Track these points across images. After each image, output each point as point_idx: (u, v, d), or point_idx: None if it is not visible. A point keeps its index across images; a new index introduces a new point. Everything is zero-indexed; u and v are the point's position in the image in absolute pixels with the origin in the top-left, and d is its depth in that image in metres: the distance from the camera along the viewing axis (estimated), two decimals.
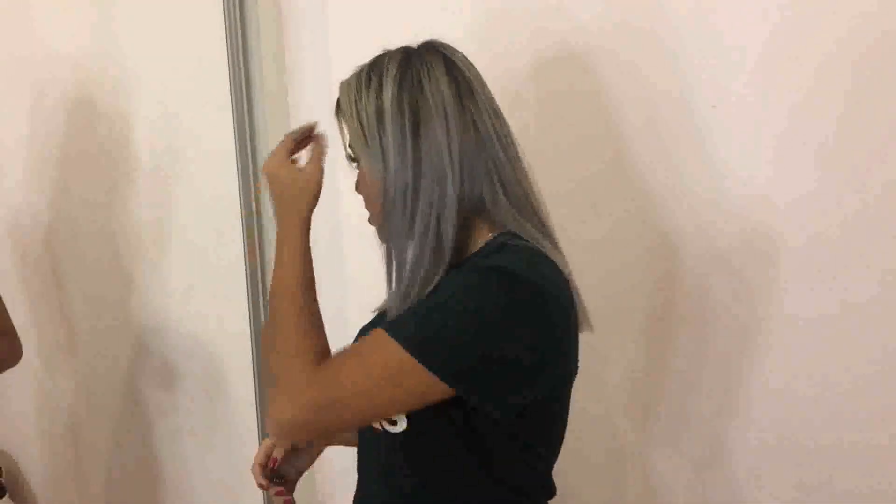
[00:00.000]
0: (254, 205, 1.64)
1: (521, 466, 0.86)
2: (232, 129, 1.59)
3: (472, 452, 0.84)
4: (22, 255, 2.10)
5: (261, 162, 1.62)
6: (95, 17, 1.81)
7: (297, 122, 1.58)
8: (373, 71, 0.85)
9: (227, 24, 1.56)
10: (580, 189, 1.22)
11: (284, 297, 0.84)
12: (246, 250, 1.64)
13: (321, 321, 0.85)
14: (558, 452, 0.91)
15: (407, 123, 0.82)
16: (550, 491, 0.92)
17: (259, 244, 1.65)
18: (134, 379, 1.97)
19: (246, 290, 1.65)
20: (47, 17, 1.91)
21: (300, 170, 0.89)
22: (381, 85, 0.83)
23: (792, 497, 1.14)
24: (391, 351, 0.76)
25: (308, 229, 0.88)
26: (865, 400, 1.07)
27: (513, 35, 1.25)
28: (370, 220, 0.90)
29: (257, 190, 1.63)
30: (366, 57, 0.89)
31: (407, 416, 0.83)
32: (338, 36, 1.49)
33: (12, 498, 2.23)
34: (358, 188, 0.90)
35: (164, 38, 1.70)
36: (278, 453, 1.01)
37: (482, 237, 0.86)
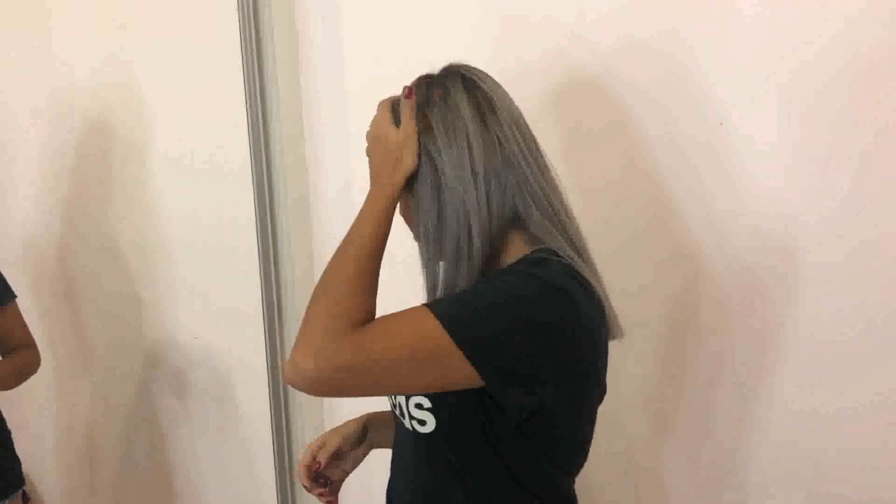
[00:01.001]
0: (269, 220, 1.66)
1: (538, 474, 0.88)
2: (248, 149, 1.62)
3: (494, 457, 0.85)
4: (36, 272, 2.13)
5: (276, 179, 1.64)
6: (113, 47, 1.85)
7: (312, 142, 1.63)
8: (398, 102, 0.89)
9: (243, 50, 1.59)
10: (596, 199, 1.24)
11: (348, 254, 0.83)
12: (261, 265, 1.66)
13: (377, 288, 0.83)
14: (578, 466, 0.92)
15: (428, 153, 0.85)
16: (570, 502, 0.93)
17: (274, 259, 1.67)
18: (148, 391, 1.99)
19: (261, 304, 1.67)
20: (68, 46, 1.96)
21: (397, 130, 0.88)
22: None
23: None
24: (427, 324, 0.76)
25: (398, 197, 0.87)
26: (884, 416, 1.08)
27: (528, 46, 1.27)
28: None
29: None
30: (380, 73, 0.91)
31: (435, 417, 0.85)
32: (352, 57, 1.52)
33: None
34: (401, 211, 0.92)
35: (179, 66, 1.74)
36: (323, 455, 1.02)
37: (519, 250, 0.87)
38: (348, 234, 0.85)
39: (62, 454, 2.22)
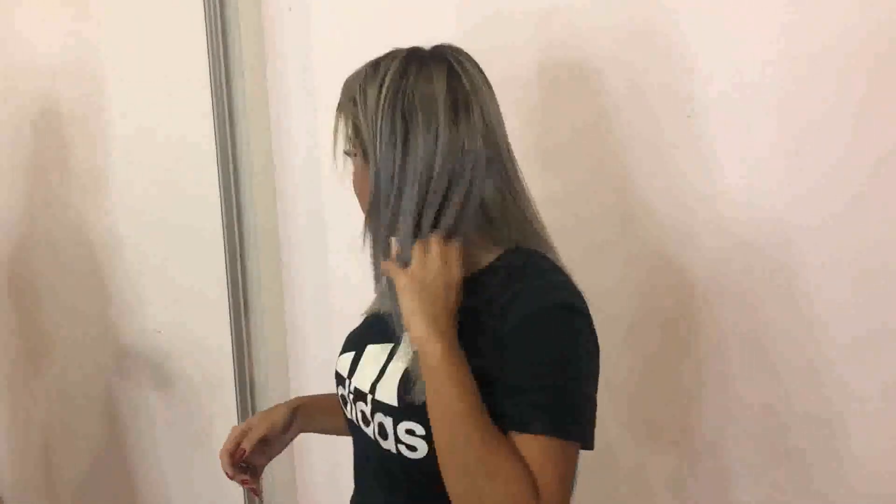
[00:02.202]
0: (235, 210, 1.62)
1: None
2: (212, 135, 1.57)
3: None
4: None
5: (243, 165, 1.60)
6: (74, 27, 1.79)
7: (279, 128, 1.59)
8: (377, 68, 0.84)
9: (208, 30, 1.54)
10: (569, 197, 1.22)
11: (464, 429, 0.75)
12: (227, 255, 1.62)
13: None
14: None
15: (398, 127, 0.81)
16: None
17: (240, 249, 1.64)
18: (109, 383, 1.93)
19: (227, 297, 1.63)
20: (30, 27, 1.89)
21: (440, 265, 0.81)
22: (381, 84, 0.82)
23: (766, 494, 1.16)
24: (570, 452, 0.77)
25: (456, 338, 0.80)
26: (878, 419, 1.08)
27: (500, 43, 1.24)
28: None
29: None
30: (348, 52, 0.88)
31: (429, 446, 0.81)
32: (320, 44, 1.48)
33: None
34: (354, 183, 0.89)
35: (143, 46, 1.68)
36: (248, 443, 0.99)
37: (489, 251, 0.86)
38: (443, 411, 0.76)
39: (17, 456, 2.16)
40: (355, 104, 0.83)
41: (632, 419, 1.25)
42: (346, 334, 0.99)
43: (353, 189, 0.89)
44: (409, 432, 0.82)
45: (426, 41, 0.87)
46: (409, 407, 0.82)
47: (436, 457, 0.78)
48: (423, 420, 0.80)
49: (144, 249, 1.79)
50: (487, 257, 0.86)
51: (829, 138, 1.04)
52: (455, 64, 0.84)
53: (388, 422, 0.83)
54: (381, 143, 0.81)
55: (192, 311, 1.73)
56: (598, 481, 1.28)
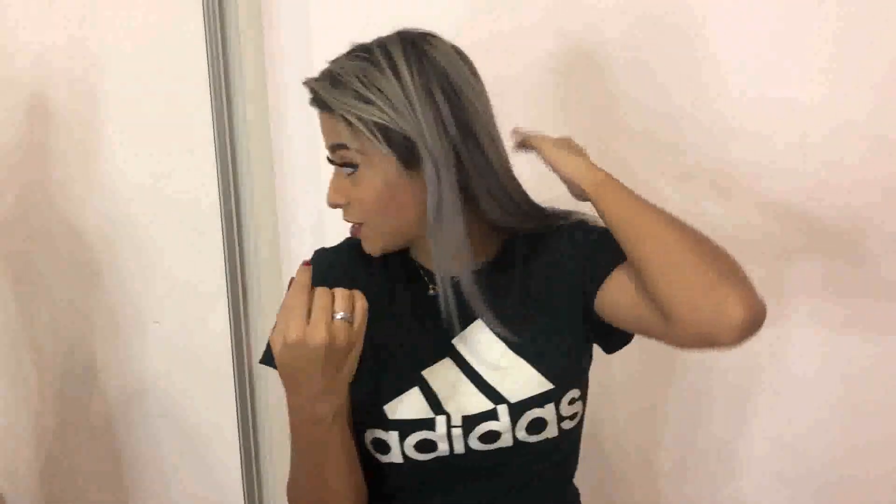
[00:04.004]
0: (233, 201, 1.61)
1: None
2: (211, 125, 1.56)
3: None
4: None
5: (241, 157, 1.59)
6: (69, 20, 1.76)
7: (277, 119, 1.58)
8: (381, 56, 0.79)
9: (207, 24, 1.53)
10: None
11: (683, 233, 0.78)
12: (226, 249, 1.61)
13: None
14: None
15: (441, 103, 0.77)
16: None
17: (239, 243, 1.63)
18: (108, 382, 1.92)
19: (226, 290, 1.63)
20: (27, 18, 1.87)
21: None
22: (396, 69, 0.77)
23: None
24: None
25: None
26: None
27: (503, 20, 1.23)
28: (354, 230, 0.86)
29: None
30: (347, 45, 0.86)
31: (583, 403, 0.87)
32: (318, 31, 1.47)
33: None
34: (352, 191, 0.82)
35: (140, 41, 1.66)
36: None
37: (494, 237, 0.89)
38: (656, 216, 0.79)
39: (12, 445, 2.15)
40: (367, 102, 0.77)
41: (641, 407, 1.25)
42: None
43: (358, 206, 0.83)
44: (572, 401, 0.84)
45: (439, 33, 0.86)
46: (566, 379, 0.84)
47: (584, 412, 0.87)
48: (581, 380, 0.87)
49: (142, 243, 1.78)
50: (497, 242, 0.89)
51: (845, 139, 1.03)
52: (430, 45, 0.81)
53: (548, 409, 0.82)
54: (428, 129, 0.76)
55: (192, 306, 1.72)
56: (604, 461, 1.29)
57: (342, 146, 0.80)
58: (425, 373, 0.84)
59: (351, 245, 0.91)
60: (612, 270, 0.82)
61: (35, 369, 2.07)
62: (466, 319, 0.84)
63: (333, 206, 0.84)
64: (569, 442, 0.89)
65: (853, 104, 1.03)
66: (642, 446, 1.25)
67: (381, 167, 0.79)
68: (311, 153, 1.53)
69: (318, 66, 1.44)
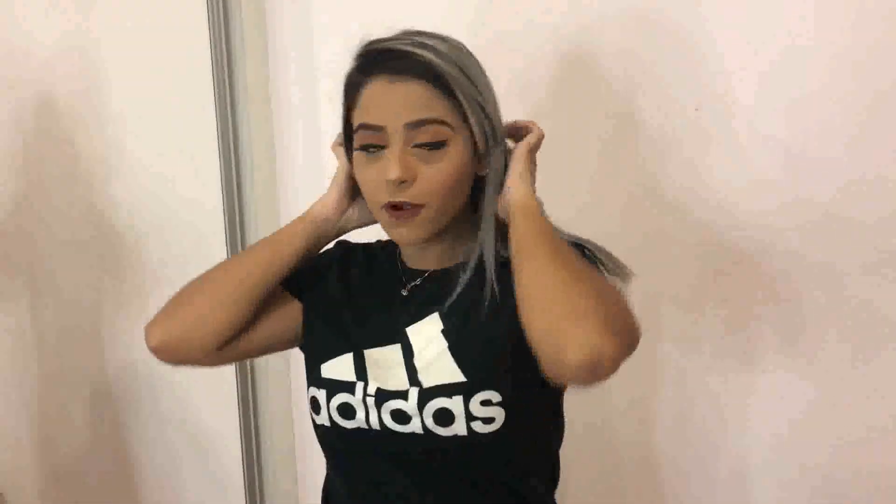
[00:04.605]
0: (237, 207, 1.61)
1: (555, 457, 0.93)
2: (215, 129, 1.57)
3: (555, 430, 0.91)
4: None
5: (244, 161, 1.59)
6: (74, 16, 1.78)
7: (279, 118, 1.58)
8: (456, 42, 0.85)
9: (210, 20, 1.54)
10: (575, 188, 1.22)
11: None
12: (228, 251, 1.61)
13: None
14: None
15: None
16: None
17: (242, 244, 1.63)
18: (110, 381, 1.92)
19: None
20: (32, 16, 1.89)
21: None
22: (459, 50, 0.84)
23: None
24: None
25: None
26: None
27: (507, 20, 1.24)
28: (405, 213, 0.83)
29: None
30: (350, 48, 0.87)
31: (506, 410, 0.80)
32: (321, 31, 1.48)
33: None
34: (424, 169, 0.82)
35: (144, 38, 1.68)
36: None
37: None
38: (556, 247, 0.80)
39: (14, 443, 2.14)
40: (472, 81, 0.83)
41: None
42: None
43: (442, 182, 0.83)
44: (485, 403, 0.80)
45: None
46: (480, 376, 0.81)
47: (513, 426, 0.80)
48: (499, 385, 0.80)
49: (144, 242, 1.79)
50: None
51: (836, 138, 1.03)
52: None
53: (455, 402, 0.80)
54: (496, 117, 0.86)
55: None
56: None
57: (437, 121, 0.81)
58: (370, 350, 0.88)
59: (360, 246, 0.98)
60: None
61: (39, 371, 2.07)
62: (427, 312, 0.87)
63: (399, 181, 0.80)
64: (493, 454, 0.83)
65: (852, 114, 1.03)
66: (640, 446, 1.25)
67: (464, 147, 0.83)
68: (314, 156, 1.54)
69: (321, 70, 1.48)
